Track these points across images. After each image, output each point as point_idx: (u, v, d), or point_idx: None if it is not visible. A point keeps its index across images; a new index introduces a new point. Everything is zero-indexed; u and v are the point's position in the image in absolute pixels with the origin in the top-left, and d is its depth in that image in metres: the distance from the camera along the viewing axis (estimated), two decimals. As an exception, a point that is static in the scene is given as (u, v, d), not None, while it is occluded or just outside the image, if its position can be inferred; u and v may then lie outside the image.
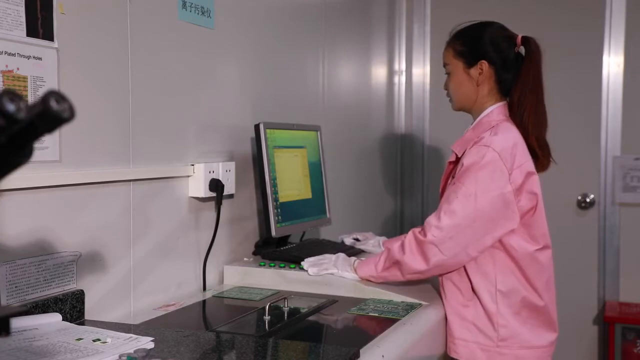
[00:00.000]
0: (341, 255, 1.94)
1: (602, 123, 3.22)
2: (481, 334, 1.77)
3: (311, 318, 1.67)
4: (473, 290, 1.77)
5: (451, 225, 1.70)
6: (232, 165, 1.98)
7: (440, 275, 1.81)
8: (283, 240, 2.11)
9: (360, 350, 1.34)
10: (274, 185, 2.01)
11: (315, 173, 2.29)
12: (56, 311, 1.41)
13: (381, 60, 3.28)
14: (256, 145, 2.00)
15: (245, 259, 2.08)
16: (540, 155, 1.82)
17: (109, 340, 1.27)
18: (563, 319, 3.27)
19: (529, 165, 1.77)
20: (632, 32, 3.18)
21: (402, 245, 1.75)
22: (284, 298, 1.70)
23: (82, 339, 1.27)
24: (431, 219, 1.74)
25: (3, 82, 1.33)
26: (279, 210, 2.02)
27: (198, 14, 1.88)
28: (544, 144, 1.84)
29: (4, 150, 0.61)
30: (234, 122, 2.07)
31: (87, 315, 1.50)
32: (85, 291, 1.50)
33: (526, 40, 1.84)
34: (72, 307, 1.45)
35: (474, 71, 1.84)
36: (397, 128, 3.53)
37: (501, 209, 1.70)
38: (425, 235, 1.72)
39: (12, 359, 1.14)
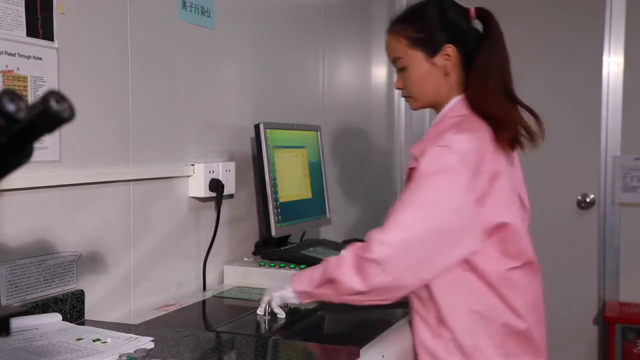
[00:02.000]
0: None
1: (602, 123, 3.22)
2: None
3: (311, 318, 1.67)
4: (442, 319, 1.47)
5: (399, 240, 1.38)
6: (232, 165, 1.98)
7: (386, 300, 1.46)
8: (283, 240, 2.11)
9: (360, 350, 1.34)
10: (274, 185, 2.01)
11: (315, 173, 2.29)
12: (56, 311, 1.41)
13: (381, 60, 3.27)
14: (256, 145, 2.00)
15: (245, 259, 2.08)
16: (519, 142, 1.52)
17: (109, 340, 1.27)
18: (563, 319, 3.28)
19: (502, 168, 1.46)
20: (632, 32, 3.17)
21: (340, 260, 1.44)
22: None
23: (82, 339, 1.27)
24: (375, 233, 1.42)
25: (3, 82, 1.33)
26: (279, 210, 2.02)
27: (198, 14, 1.88)
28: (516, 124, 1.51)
29: (4, 150, 0.61)
30: (234, 122, 2.07)
31: (87, 315, 1.50)
32: (85, 291, 1.50)
33: (482, 13, 1.57)
34: (72, 307, 1.45)
35: (439, 59, 1.53)
36: (397, 128, 3.53)
37: (461, 223, 1.40)
38: (367, 251, 1.39)
39: (12, 359, 1.14)
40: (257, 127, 1.99)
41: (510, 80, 1.55)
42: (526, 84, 3.31)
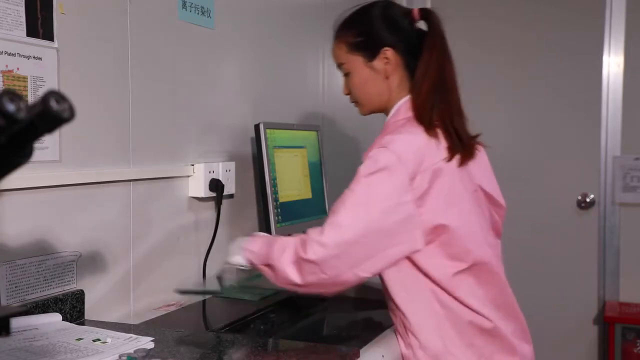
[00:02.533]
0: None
1: (602, 123, 3.22)
2: None
3: (311, 318, 1.67)
4: (408, 327, 1.45)
5: (336, 241, 1.37)
6: (232, 165, 1.98)
7: (325, 293, 1.48)
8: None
9: (360, 350, 1.34)
10: (274, 185, 2.01)
11: (315, 173, 2.29)
12: (56, 311, 1.41)
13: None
14: (256, 145, 2.00)
15: (245, 259, 2.08)
16: (464, 139, 1.48)
17: (109, 340, 1.27)
18: (563, 319, 3.28)
19: (445, 167, 1.42)
20: (632, 32, 3.17)
21: (283, 249, 1.43)
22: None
23: (82, 339, 1.27)
24: (313, 233, 1.40)
25: (3, 82, 1.33)
26: (279, 210, 2.02)
27: (198, 14, 1.88)
28: (459, 126, 1.49)
29: (4, 150, 0.61)
30: (234, 122, 2.07)
31: (87, 315, 1.50)
32: (85, 291, 1.50)
33: (425, 13, 1.53)
34: (72, 307, 1.45)
35: (378, 63, 1.52)
36: (397, 128, 3.53)
37: (399, 222, 1.37)
38: (304, 251, 1.38)
39: (12, 359, 1.14)
40: (257, 127, 1.99)
41: (453, 81, 1.52)
42: (526, 84, 3.33)
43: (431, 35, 1.50)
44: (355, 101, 1.60)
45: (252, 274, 1.64)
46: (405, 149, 1.39)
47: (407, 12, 1.54)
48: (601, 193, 3.24)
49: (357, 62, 1.54)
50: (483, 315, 1.43)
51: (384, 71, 1.52)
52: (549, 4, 3.30)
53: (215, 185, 1.88)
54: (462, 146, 1.45)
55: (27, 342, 1.23)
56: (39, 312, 1.37)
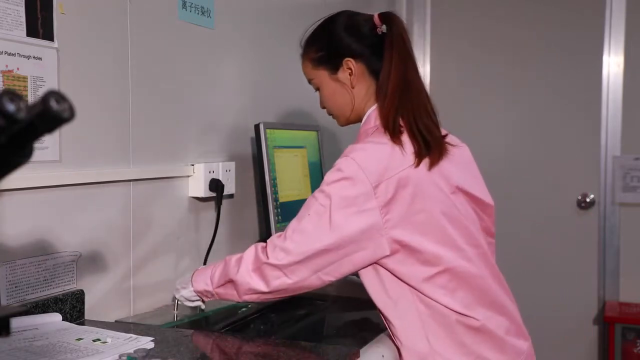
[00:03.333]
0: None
1: (602, 123, 3.22)
2: None
3: (311, 318, 1.67)
4: (395, 334, 1.44)
5: (300, 247, 1.37)
6: (232, 165, 1.98)
7: (290, 296, 1.47)
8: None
9: (360, 350, 1.34)
10: (274, 185, 2.01)
11: (315, 173, 2.29)
12: (56, 311, 1.41)
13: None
14: (256, 145, 2.00)
15: (245, 259, 2.08)
16: (429, 140, 1.43)
17: (109, 340, 1.27)
18: (563, 319, 3.28)
19: (409, 173, 1.38)
20: (632, 32, 3.18)
21: (239, 261, 1.44)
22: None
23: (82, 339, 1.27)
24: (276, 239, 1.41)
25: (3, 82, 1.33)
26: (279, 210, 2.02)
27: (198, 14, 1.88)
28: (425, 127, 1.44)
29: (4, 150, 0.60)
30: (234, 122, 2.07)
31: (87, 315, 1.50)
32: (85, 291, 1.50)
33: (386, 17, 1.52)
34: (72, 307, 1.45)
35: (342, 74, 1.53)
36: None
37: (363, 229, 1.35)
38: (267, 257, 1.39)
39: (12, 359, 1.14)
40: (257, 127, 1.99)
41: (417, 81, 1.50)
42: (526, 84, 3.33)
43: (389, 37, 1.49)
44: (330, 114, 1.62)
45: (196, 310, 1.65)
46: (368, 158, 1.38)
47: (369, 19, 1.53)
48: (601, 193, 3.24)
49: (323, 76, 1.56)
50: (468, 316, 1.40)
51: (349, 81, 1.53)
52: (549, 4, 3.30)
53: (215, 185, 1.88)
54: (428, 149, 1.42)
55: (27, 342, 1.23)
56: (39, 312, 1.38)
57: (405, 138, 1.42)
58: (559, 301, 3.27)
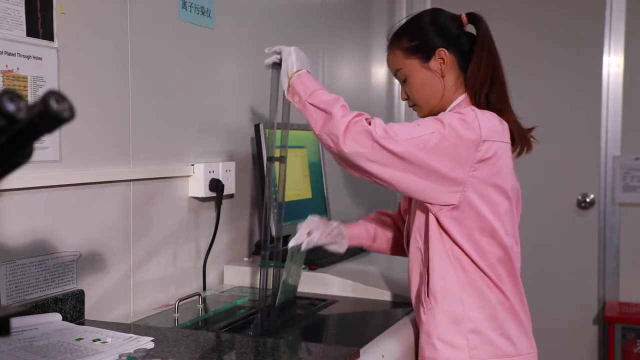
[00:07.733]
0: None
1: (602, 123, 3.22)
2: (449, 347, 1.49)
3: (311, 318, 1.67)
4: (432, 290, 1.51)
5: (403, 137, 1.41)
6: (232, 165, 1.98)
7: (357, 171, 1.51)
8: (283, 240, 2.11)
9: (360, 350, 1.34)
10: (274, 185, 2.01)
11: (315, 173, 2.29)
12: (56, 311, 1.41)
13: (381, 60, 3.27)
14: (256, 145, 2.00)
15: (245, 258, 2.08)
16: (523, 134, 1.57)
17: (109, 340, 1.27)
18: (563, 319, 3.28)
19: (507, 148, 1.51)
20: (632, 32, 3.17)
21: (345, 108, 1.46)
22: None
23: (82, 339, 1.27)
24: (380, 121, 1.44)
25: (3, 82, 1.33)
26: (279, 210, 2.01)
27: (198, 14, 1.88)
28: (511, 119, 1.56)
29: (4, 150, 0.60)
30: (234, 122, 2.07)
31: (87, 315, 1.50)
32: (85, 291, 1.50)
33: (473, 17, 1.62)
34: (72, 307, 1.45)
35: (434, 63, 1.58)
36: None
37: (460, 153, 1.43)
38: (374, 126, 1.42)
39: (12, 359, 1.14)
40: (257, 127, 1.99)
41: (503, 80, 1.59)
42: (526, 84, 3.33)
43: (480, 34, 1.59)
44: (414, 104, 1.66)
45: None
46: (484, 116, 1.47)
47: (456, 18, 1.63)
48: (601, 193, 3.24)
49: (414, 65, 1.60)
50: (504, 293, 1.51)
51: (440, 71, 1.59)
52: (549, 4, 3.30)
53: (215, 185, 1.88)
54: (515, 139, 1.55)
55: (27, 342, 1.23)
56: (39, 312, 1.38)
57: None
58: (559, 301, 3.27)
